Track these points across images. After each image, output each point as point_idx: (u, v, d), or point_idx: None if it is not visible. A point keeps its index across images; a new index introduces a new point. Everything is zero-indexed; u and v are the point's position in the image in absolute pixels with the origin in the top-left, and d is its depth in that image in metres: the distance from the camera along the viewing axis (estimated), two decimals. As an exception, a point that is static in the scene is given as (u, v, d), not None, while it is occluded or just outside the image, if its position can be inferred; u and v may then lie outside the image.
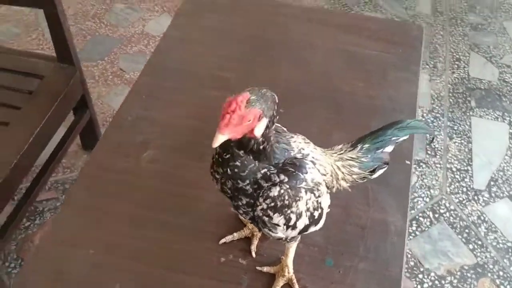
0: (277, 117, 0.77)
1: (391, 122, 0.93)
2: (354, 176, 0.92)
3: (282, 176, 0.79)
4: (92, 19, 2.73)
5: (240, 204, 0.82)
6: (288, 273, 0.99)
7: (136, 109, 1.29)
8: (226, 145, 0.76)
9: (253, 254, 1.04)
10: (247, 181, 0.78)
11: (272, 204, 0.79)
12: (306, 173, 0.82)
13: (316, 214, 0.85)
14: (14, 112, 1.59)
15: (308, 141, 0.88)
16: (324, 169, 0.86)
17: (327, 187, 0.87)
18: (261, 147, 0.76)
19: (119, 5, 2.83)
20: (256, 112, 0.71)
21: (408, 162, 1.21)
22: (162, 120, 1.28)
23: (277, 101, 0.76)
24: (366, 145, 0.91)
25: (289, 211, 0.80)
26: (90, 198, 1.12)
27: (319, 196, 0.84)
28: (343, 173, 0.90)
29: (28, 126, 1.54)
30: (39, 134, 1.54)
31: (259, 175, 0.78)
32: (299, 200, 0.81)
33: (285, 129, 0.87)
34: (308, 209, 0.83)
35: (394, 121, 0.93)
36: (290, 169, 0.80)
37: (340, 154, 0.91)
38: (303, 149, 0.84)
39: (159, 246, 1.05)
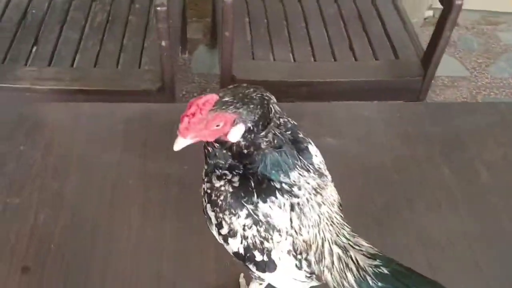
0: (273, 121, 0.64)
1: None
2: (345, 283, 0.68)
3: (235, 179, 0.66)
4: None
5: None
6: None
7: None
8: None
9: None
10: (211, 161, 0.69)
11: (209, 191, 0.68)
12: (264, 202, 0.65)
13: (258, 256, 0.69)
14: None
15: (323, 193, 0.69)
16: (299, 228, 0.66)
17: (295, 251, 0.68)
18: (245, 151, 0.65)
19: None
20: (226, 117, 0.61)
21: None
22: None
23: (272, 101, 0.64)
24: (385, 270, 0.64)
25: (220, 215, 0.68)
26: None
27: (265, 239, 0.67)
28: (333, 262, 0.68)
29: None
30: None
31: (222, 161, 0.68)
32: (233, 214, 0.67)
33: (319, 165, 0.70)
34: (245, 237, 0.68)
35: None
36: (252, 182, 0.66)
37: (351, 246, 0.68)
38: (298, 189, 0.67)
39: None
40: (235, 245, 0.70)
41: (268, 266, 0.71)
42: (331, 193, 0.71)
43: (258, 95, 0.63)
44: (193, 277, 0.92)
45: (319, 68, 1.71)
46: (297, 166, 0.68)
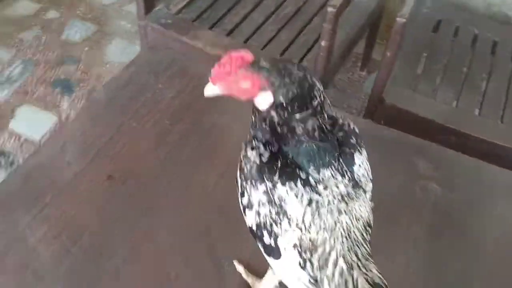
0: (315, 109, 0.62)
1: None
2: None
3: (266, 154, 0.66)
4: None
5: None
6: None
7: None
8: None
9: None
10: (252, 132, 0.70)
11: (242, 155, 0.69)
12: (283, 185, 0.64)
13: (266, 237, 0.69)
14: None
15: (350, 204, 0.65)
16: (310, 225, 0.64)
17: (300, 247, 0.66)
18: (279, 129, 0.65)
19: None
20: (254, 79, 0.62)
21: None
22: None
23: (317, 88, 0.62)
24: None
25: (244, 184, 0.69)
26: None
27: (275, 222, 0.66)
28: (333, 274, 0.65)
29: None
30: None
31: (260, 133, 0.68)
32: (253, 186, 0.67)
33: (359, 176, 0.67)
34: (258, 214, 0.68)
35: None
36: (279, 163, 0.65)
37: (358, 267, 0.64)
38: (323, 188, 0.64)
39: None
40: (250, 219, 0.71)
41: (273, 252, 0.70)
42: (360, 208, 0.67)
43: (300, 74, 0.63)
44: (231, 249, 0.95)
45: (480, 123, 1.55)
46: (332, 167, 0.66)
